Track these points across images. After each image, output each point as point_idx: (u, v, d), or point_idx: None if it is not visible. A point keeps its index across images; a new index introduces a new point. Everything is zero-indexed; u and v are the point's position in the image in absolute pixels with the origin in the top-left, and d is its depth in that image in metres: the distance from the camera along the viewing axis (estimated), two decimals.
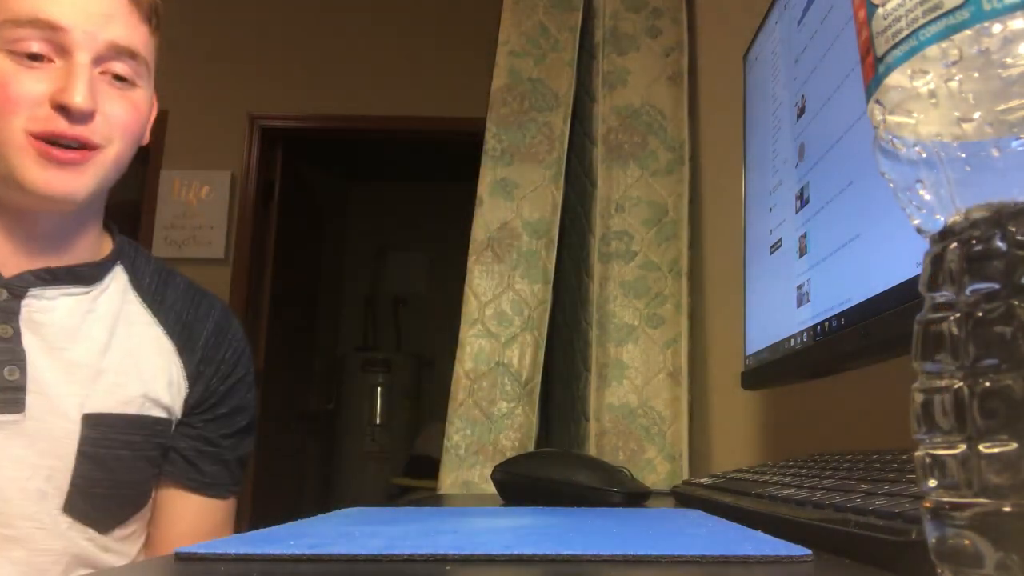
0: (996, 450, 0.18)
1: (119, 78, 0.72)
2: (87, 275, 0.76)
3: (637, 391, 1.38)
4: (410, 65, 3.24)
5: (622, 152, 1.51)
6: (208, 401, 0.82)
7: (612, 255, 1.46)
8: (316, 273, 4.00)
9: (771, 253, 0.84)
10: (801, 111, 0.76)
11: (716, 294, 1.40)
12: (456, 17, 3.24)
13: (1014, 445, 0.17)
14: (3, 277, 0.71)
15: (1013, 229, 0.18)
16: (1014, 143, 0.18)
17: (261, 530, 0.43)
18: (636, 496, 0.72)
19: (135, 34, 0.72)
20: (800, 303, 0.73)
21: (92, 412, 0.73)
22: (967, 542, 0.18)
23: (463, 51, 3.17)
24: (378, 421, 4.08)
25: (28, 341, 0.71)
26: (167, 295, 0.83)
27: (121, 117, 0.72)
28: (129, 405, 0.76)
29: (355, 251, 4.69)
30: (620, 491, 0.71)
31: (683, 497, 0.78)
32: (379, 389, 4.12)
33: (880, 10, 0.20)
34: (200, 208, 3.09)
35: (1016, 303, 0.18)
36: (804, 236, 0.73)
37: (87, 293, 0.76)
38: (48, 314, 0.73)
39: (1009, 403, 0.18)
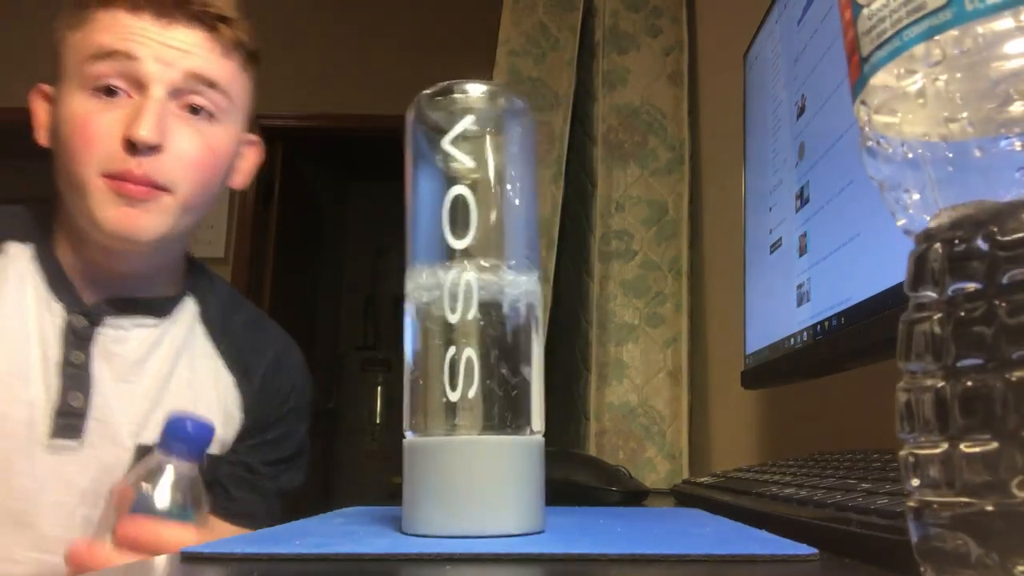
0: (977, 449, 0.18)
1: (196, 109, 0.71)
2: (160, 307, 0.77)
3: (637, 390, 1.39)
4: (410, 64, 3.23)
5: (622, 151, 1.51)
6: (255, 429, 0.82)
7: (612, 254, 1.46)
8: (316, 273, 3.99)
9: (771, 252, 0.84)
10: (801, 110, 0.76)
11: (716, 293, 1.40)
12: (456, 16, 3.24)
13: (995, 444, 0.18)
14: (84, 304, 0.73)
15: (995, 229, 0.18)
16: (1002, 143, 0.18)
17: (265, 529, 0.43)
18: (634, 495, 0.72)
19: (215, 66, 0.71)
20: (800, 302, 0.73)
21: (145, 443, 0.73)
22: (959, 541, 0.18)
23: (463, 50, 3.16)
24: (378, 420, 4.08)
25: (98, 368, 0.72)
26: (230, 326, 0.83)
27: (191, 154, 0.70)
28: None
29: (355, 251, 4.68)
30: (618, 490, 0.71)
31: (683, 496, 0.78)
32: (379, 388, 4.12)
33: (865, 10, 0.20)
34: None
35: (997, 303, 0.18)
36: (804, 235, 0.73)
37: (158, 326, 0.77)
38: (121, 344, 0.74)
39: (990, 403, 0.18)
